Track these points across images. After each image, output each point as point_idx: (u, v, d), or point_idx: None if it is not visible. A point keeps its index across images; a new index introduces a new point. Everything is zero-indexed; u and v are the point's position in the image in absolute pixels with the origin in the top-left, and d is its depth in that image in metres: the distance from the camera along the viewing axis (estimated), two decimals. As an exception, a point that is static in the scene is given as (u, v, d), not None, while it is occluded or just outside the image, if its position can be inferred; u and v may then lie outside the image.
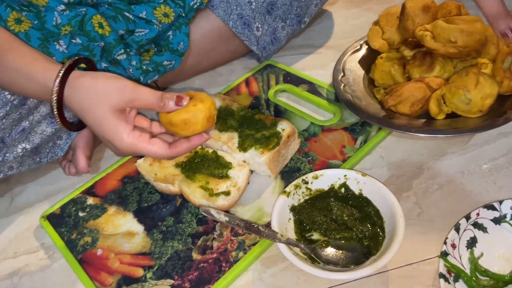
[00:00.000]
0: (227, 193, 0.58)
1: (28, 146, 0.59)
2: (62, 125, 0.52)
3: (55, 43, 0.62)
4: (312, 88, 0.78)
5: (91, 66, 0.56)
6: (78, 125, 0.54)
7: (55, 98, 0.49)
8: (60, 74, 0.48)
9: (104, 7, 0.69)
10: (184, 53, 0.78)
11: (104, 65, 0.64)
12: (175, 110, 0.49)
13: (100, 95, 0.48)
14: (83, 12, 0.65)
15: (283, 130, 0.64)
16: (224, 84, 0.84)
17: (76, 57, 0.51)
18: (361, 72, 0.77)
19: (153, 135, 0.52)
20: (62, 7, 0.64)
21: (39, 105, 0.59)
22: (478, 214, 0.53)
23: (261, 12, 0.79)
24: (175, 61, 0.76)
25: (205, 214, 0.53)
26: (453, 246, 0.51)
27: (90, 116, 0.49)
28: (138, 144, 0.49)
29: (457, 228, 0.52)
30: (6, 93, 0.53)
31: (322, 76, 0.81)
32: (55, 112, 0.50)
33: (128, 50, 0.70)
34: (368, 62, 0.78)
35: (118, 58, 0.69)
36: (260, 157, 0.61)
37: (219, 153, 0.63)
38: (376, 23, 0.79)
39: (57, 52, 0.61)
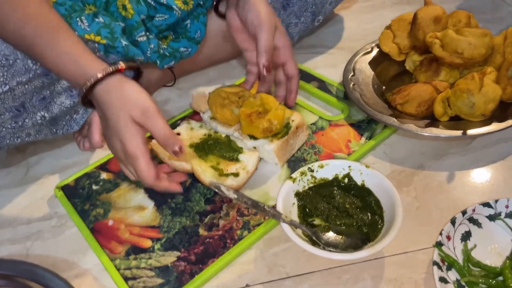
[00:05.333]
0: (236, 174, 0.61)
1: (46, 115, 0.61)
2: (82, 103, 0.56)
3: (78, 19, 0.64)
4: (322, 85, 0.81)
5: (137, 75, 0.60)
6: None
7: (87, 86, 0.53)
8: (103, 74, 0.53)
9: (127, -8, 0.72)
10: (200, 41, 0.81)
11: (124, 43, 0.67)
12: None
13: (127, 103, 0.53)
14: None
15: (292, 121, 0.66)
16: (237, 77, 0.87)
17: (128, 65, 0.55)
18: (370, 73, 0.80)
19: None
20: None
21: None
22: (474, 210, 0.55)
23: (276, 7, 0.81)
24: (192, 49, 0.79)
25: (215, 190, 0.56)
26: (448, 237, 0.53)
27: (112, 113, 0.53)
28: (140, 156, 0.53)
29: (453, 221, 0.54)
30: (29, 61, 0.56)
31: (332, 75, 0.84)
32: (82, 95, 0.54)
33: (148, 33, 0.74)
34: (377, 64, 0.81)
35: (139, 39, 0.72)
36: (269, 144, 0.64)
37: (231, 138, 0.66)
38: (388, 27, 0.82)
39: (79, 28, 0.63)
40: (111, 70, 0.53)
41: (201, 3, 0.79)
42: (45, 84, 0.59)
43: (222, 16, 0.72)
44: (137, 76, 0.61)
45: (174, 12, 0.76)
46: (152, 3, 0.74)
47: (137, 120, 0.53)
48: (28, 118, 0.60)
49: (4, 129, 0.58)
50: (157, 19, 0.76)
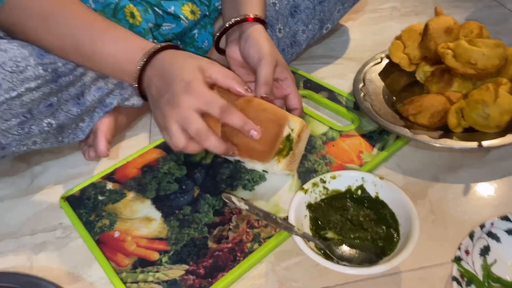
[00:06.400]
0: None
1: (53, 122, 0.61)
2: (137, 89, 0.59)
3: None
4: (332, 95, 0.80)
5: None
6: None
7: (151, 52, 0.56)
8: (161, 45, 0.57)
9: (136, 0, 0.72)
10: (208, 50, 0.81)
11: None
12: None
13: (193, 56, 0.56)
14: (116, 0, 0.68)
15: (292, 130, 0.62)
16: (245, 86, 0.86)
17: (167, 43, 0.59)
18: (380, 83, 0.79)
19: None
20: None
21: (70, 85, 0.61)
22: (492, 224, 0.54)
23: (284, 14, 0.81)
24: None
25: (226, 200, 0.54)
26: (467, 252, 0.51)
27: (178, 67, 0.54)
28: (206, 90, 0.53)
29: (471, 236, 0.52)
30: (40, 68, 0.55)
31: (341, 85, 0.83)
32: (137, 74, 0.57)
33: (155, 41, 0.73)
34: (387, 74, 0.80)
35: None
36: (277, 165, 0.61)
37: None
38: (398, 37, 0.81)
39: None
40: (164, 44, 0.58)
41: (207, 13, 0.79)
42: (53, 91, 0.58)
43: (223, 52, 0.72)
44: None
45: (181, 21, 0.75)
46: (160, 12, 0.74)
47: (203, 67, 0.55)
48: (34, 125, 0.59)
49: (10, 136, 0.57)
50: (164, 28, 0.76)
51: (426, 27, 0.75)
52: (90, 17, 0.58)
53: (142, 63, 0.56)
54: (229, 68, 0.71)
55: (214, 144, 0.53)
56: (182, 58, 0.55)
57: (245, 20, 0.67)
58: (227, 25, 0.69)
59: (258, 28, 0.66)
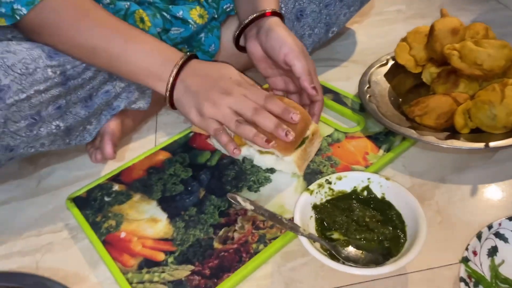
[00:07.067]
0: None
1: (61, 125, 0.61)
2: (169, 99, 0.61)
3: None
4: (337, 97, 0.80)
5: None
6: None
7: (174, 72, 0.59)
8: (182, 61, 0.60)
9: (144, 5, 0.73)
10: (214, 54, 0.81)
11: None
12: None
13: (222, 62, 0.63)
14: (126, 6, 0.69)
15: (308, 129, 0.65)
16: (250, 89, 0.86)
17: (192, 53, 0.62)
18: (386, 85, 0.78)
19: None
20: (108, 0, 0.67)
21: (78, 88, 0.61)
22: (500, 224, 0.53)
23: (290, 18, 0.81)
24: None
25: (231, 200, 0.55)
26: (474, 253, 0.51)
27: (214, 65, 0.61)
28: (246, 79, 0.61)
29: (479, 236, 0.52)
30: (49, 70, 0.56)
31: (347, 88, 0.82)
32: (169, 85, 0.59)
33: None
34: (393, 76, 0.80)
35: None
36: (289, 156, 0.62)
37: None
38: (404, 39, 0.81)
39: None
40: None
41: (216, 16, 0.79)
42: (62, 93, 0.59)
43: (243, 49, 0.73)
44: None
45: (190, 26, 0.76)
46: (168, 16, 0.74)
47: (237, 71, 0.62)
48: (43, 127, 0.59)
49: (18, 138, 0.57)
50: (172, 32, 0.76)
51: (432, 28, 0.75)
52: (119, 21, 0.60)
53: (182, 61, 0.59)
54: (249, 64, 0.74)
55: (268, 117, 0.57)
56: (216, 63, 0.62)
57: (263, 15, 0.68)
58: (246, 22, 0.69)
59: (276, 20, 0.67)
